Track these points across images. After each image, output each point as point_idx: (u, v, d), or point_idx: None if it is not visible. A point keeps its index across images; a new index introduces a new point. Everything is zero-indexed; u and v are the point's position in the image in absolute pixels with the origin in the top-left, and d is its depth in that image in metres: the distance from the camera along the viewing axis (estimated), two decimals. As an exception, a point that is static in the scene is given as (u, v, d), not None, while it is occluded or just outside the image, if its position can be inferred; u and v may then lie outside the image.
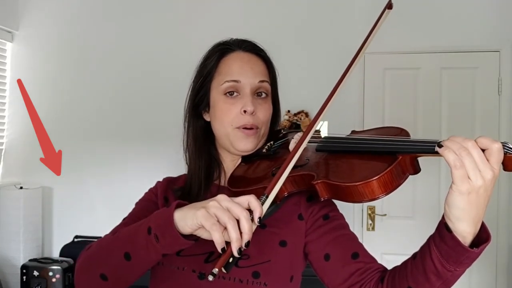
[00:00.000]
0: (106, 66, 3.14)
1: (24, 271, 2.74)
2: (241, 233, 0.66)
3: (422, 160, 0.76)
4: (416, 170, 0.75)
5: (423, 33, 2.90)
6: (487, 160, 0.64)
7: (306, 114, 2.93)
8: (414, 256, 0.78)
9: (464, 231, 0.68)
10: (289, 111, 2.95)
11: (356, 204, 2.91)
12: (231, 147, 0.96)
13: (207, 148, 1.00)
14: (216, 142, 1.01)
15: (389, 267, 0.86)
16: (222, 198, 0.70)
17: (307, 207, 0.94)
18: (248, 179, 0.91)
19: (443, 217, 0.71)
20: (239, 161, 0.99)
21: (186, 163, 1.01)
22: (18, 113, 3.20)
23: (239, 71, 0.93)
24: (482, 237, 0.70)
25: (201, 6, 3.08)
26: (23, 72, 3.21)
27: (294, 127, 2.94)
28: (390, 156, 0.73)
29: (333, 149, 0.86)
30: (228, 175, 0.98)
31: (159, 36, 3.07)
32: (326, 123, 2.97)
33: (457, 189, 0.65)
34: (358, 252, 0.87)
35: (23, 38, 3.22)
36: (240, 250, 0.66)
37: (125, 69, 3.12)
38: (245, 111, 0.92)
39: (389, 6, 0.94)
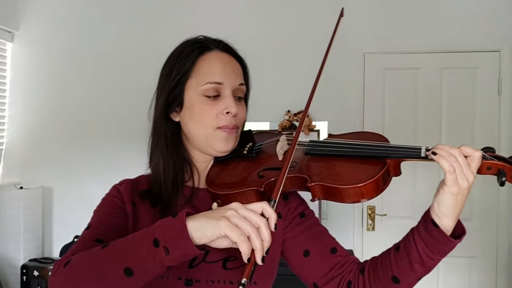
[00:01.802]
0: (106, 66, 3.15)
1: (24, 271, 2.74)
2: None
3: (424, 161, 0.82)
4: (399, 173, 0.84)
5: (423, 33, 2.91)
6: (469, 165, 0.75)
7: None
8: (397, 248, 0.85)
9: (448, 225, 0.78)
10: (289, 111, 2.95)
11: (356, 204, 2.91)
12: (209, 148, 0.93)
13: (177, 149, 0.96)
14: (187, 142, 0.97)
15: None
16: (237, 206, 0.70)
17: (283, 205, 0.98)
18: (232, 180, 0.90)
19: (428, 214, 0.81)
20: (212, 162, 0.97)
21: (150, 164, 0.97)
22: (18, 113, 3.21)
23: (221, 72, 0.91)
24: (457, 230, 0.81)
25: (200, 8, 3.08)
26: (23, 72, 3.21)
27: (294, 127, 2.94)
28: (379, 161, 0.81)
29: (324, 153, 0.89)
30: (202, 176, 0.97)
31: (160, 36, 3.07)
32: (326, 123, 2.97)
33: (449, 190, 0.76)
34: (336, 247, 0.93)
35: (23, 38, 3.22)
36: (263, 258, 0.67)
37: (125, 68, 3.12)
38: (227, 112, 0.91)
39: (342, 14, 1.03)
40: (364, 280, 0.87)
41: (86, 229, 0.88)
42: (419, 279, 0.84)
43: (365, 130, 2.95)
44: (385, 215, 2.92)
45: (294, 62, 2.98)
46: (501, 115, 2.86)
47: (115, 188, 0.96)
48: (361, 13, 2.95)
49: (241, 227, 0.67)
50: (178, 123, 0.96)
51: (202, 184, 0.97)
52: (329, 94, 2.96)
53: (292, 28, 3.00)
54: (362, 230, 2.95)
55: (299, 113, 2.94)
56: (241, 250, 0.66)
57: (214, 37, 0.98)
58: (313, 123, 2.94)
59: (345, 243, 3.23)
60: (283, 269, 0.98)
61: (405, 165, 0.84)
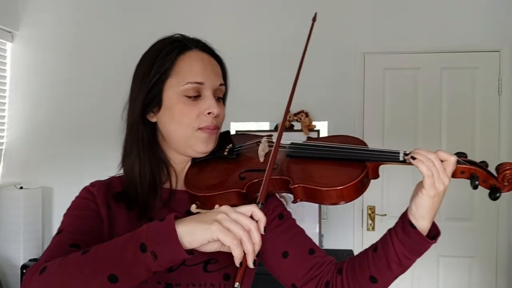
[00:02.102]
0: (106, 66, 3.14)
1: (24, 271, 2.74)
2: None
3: (402, 165, 0.86)
4: (377, 176, 0.86)
5: (423, 33, 2.91)
6: (444, 169, 0.79)
7: (306, 114, 2.93)
8: (375, 248, 0.87)
9: (424, 226, 0.82)
10: (289, 111, 2.95)
11: (356, 204, 2.92)
12: (188, 149, 0.91)
13: (154, 151, 0.93)
14: (164, 143, 0.94)
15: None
16: (228, 209, 0.69)
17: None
18: (213, 182, 0.89)
19: (405, 215, 0.83)
20: (189, 163, 0.95)
21: (123, 165, 0.95)
22: (18, 113, 3.21)
23: (202, 72, 0.89)
24: (432, 231, 0.84)
25: (201, 10, 3.08)
26: (23, 72, 3.21)
27: (295, 127, 2.94)
28: (359, 164, 0.84)
29: (305, 155, 0.90)
30: (180, 177, 0.94)
31: (161, 34, 3.07)
32: (326, 123, 2.97)
33: (426, 193, 0.79)
34: (313, 248, 0.94)
35: (23, 38, 3.22)
36: (254, 262, 0.67)
37: (125, 68, 3.10)
38: (209, 113, 0.89)
39: (314, 19, 1.05)
40: (342, 280, 0.88)
41: (58, 233, 0.84)
42: (395, 278, 0.87)
43: (364, 130, 2.95)
44: (385, 215, 2.92)
45: (294, 62, 2.98)
46: (501, 115, 2.86)
47: (87, 190, 0.93)
48: (361, 13, 2.95)
49: (233, 230, 0.66)
50: (155, 123, 0.93)
51: (180, 186, 0.94)
52: (329, 94, 2.96)
53: (292, 28, 3.00)
54: (362, 230, 2.95)
55: (299, 113, 2.93)
56: (234, 254, 0.66)
57: (193, 37, 0.96)
58: (313, 123, 2.94)
59: (345, 243, 3.24)
60: (259, 267, 0.98)
61: (405, 165, 0.85)
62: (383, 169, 0.86)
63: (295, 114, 2.94)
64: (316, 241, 2.71)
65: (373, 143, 3.08)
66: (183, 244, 0.67)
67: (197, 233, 0.67)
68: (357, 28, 2.95)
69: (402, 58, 2.95)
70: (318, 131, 2.93)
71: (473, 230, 2.88)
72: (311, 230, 2.74)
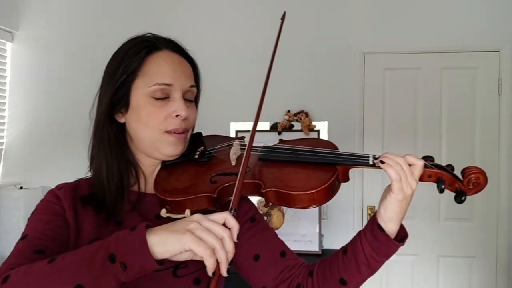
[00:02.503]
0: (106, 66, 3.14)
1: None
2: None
3: (372, 169, 0.87)
4: (347, 179, 0.87)
5: (423, 33, 2.91)
6: (412, 173, 0.79)
7: (306, 114, 2.93)
8: (345, 251, 0.87)
9: (392, 229, 0.83)
10: (289, 111, 2.95)
11: (356, 204, 2.92)
12: (156, 152, 0.89)
13: (122, 152, 0.91)
14: (133, 145, 0.92)
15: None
16: (200, 218, 0.68)
17: None
18: (183, 186, 0.87)
19: (374, 219, 0.84)
20: (159, 165, 0.93)
21: (91, 168, 0.92)
22: (18, 113, 3.21)
23: (171, 74, 0.87)
24: (399, 234, 0.85)
25: (201, 10, 3.08)
26: (23, 72, 3.21)
27: (295, 127, 2.94)
28: (330, 167, 0.85)
29: (277, 159, 0.90)
30: (149, 180, 0.92)
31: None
32: (326, 123, 2.97)
33: (394, 197, 0.80)
34: (285, 251, 0.94)
35: (23, 38, 3.22)
36: (228, 270, 0.67)
37: (125, 69, 3.12)
38: (177, 116, 0.87)
39: (283, 17, 1.04)
40: (312, 282, 0.88)
41: (22, 239, 0.81)
42: (364, 281, 0.87)
43: (364, 130, 2.95)
44: (385, 215, 2.91)
45: (294, 62, 2.98)
46: (501, 115, 2.86)
47: (53, 193, 0.89)
48: (361, 13, 2.95)
49: (205, 240, 0.65)
50: (123, 124, 0.91)
51: (149, 189, 0.92)
52: (329, 94, 2.96)
53: (292, 28, 3.00)
54: (362, 230, 2.95)
55: (299, 113, 2.93)
56: (206, 264, 0.65)
57: (166, 36, 0.93)
58: (313, 123, 2.94)
59: (345, 243, 3.23)
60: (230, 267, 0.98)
61: (375, 169, 0.85)
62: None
63: (295, 114, 2.94)
64: (316, 241, 2.72)
65: (373, 143, 3.09)
66: (154, 254, 0.65)
67: (168, 243, 0.66)
68: (357, 28, 2.95)
69: (402, 58, 2.95)
70: (318, 131, 2.93)
71: (473, 230, 2.88)
72: (311, 230, 2.74)
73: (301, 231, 2.75)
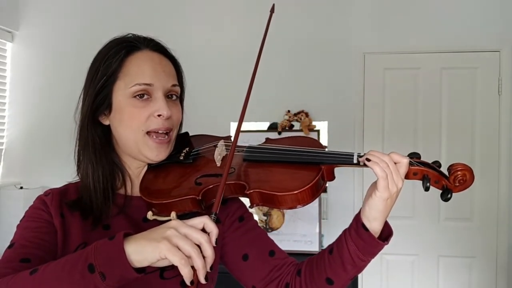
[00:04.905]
0: (106, 66, 3.15)
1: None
2: (203, 257, 0.66)
3: (357, 167, 0.87)
4: (333, 178, 0.87)
5: (423, 33, 2.91)
6: (398, 171, 0.78)
7: (306, 114, 2.93)
8: (330, 250, 0.87)
9: (376, 228, 0.82)
10: (289, 111, 2.95)
11: (356, 204, 2.91)
12: (139, 154, 0.88)
13: (108, 155, 0.90)
14: (118, 148, 0.91)
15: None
16: (177, 224, 0.67)
17: (222, 210, 0.95)
18: (168, 188, 0.86)
19: (359, 217, 0.83)
20: (145, 168, 0.92)
21: (78, 172, 0.91)
22: (18, 113, 3.21)
23: (151, 73, 0.86)
24: (384, 233, 0.85)
25: (201, 10, 3.08)
26: (23, 72, 3.21)
27: (294, 127, 2.94)
28: (314, 167, 0.84)
29: (261, 159, 0.89)
30: (136, 183, 0.91)
31: (161, 37, 3.07)
32: (326, 123, 2.97)
33: (380, 195, 0.79)
34: (274, 250, 0.94)
35: (23, 38, 3.22)
36: (206, 277, 0.66)
37: (125, 69, 3.12)
38: (159, 115, 0.86)
39: (272, 10, 1.04)
40: (300, 281, 0.88)
41: (9, 247, 0.81)
42: (351, 279, 0.87)
43: (364, 130, 2.95)
44: (385, 215, 2.91)
45: (294, 62, 2.98)
46: (501, 115, 2.86)
47: (40, 199, 0.89)
48: (361, 13, 2.95)
49: (182, 247, 0.65)
50: (108, 126, 0.90)
51: (136, 192, 0.91)
52: (329, 94, 2.96)
53: (292, 28, 3.00)
54: (362, 230, 2.95)
55: (299, 113, 2.93)
56: (182, 274, 0.64)
57: (146, 36, 0.92)
58: (313, 123, 2.94)
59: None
60: (221, 266, 0.97)
61: (360, 168, 0.86)
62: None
63: (295, 114, 2.94)
64: (316, 241, 2.72)
65: (373, 143, 3.09)
66: (132, 263, 0.65)
67: (145, 252, 0.65)
68: (357, 28, 2.95)
69: (402, 58, 2.95)
70: (318, 131, 2.93)
71: (473, 230, 2.88)
72: (311, 230, 2.74)
73: (301, 231, 2.74)
